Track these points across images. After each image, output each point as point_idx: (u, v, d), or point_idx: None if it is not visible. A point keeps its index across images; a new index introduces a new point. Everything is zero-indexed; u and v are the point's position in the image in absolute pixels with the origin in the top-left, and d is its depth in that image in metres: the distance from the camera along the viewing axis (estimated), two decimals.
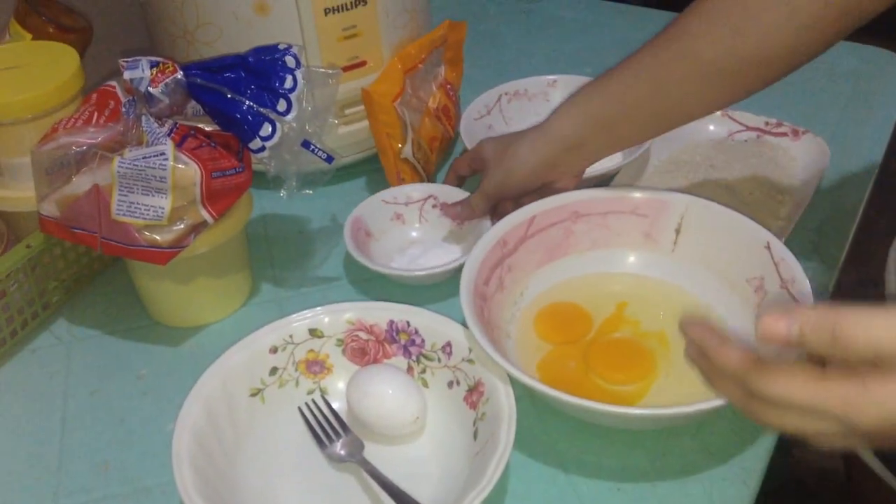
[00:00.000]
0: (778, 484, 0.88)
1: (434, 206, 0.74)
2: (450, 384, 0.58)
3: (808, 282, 0.57)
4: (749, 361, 0.38)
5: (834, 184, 0.75)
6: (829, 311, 0.34)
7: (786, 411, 0.36)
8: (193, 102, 0.62)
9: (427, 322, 0.59)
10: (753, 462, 0.55)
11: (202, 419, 0.53)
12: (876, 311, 0.33)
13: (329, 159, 0.63)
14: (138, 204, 0.59)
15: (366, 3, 0.72)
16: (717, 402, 0.50)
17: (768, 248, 0.60)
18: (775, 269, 0.59)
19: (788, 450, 1.26)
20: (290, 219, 0.77)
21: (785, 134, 0.77)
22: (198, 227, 0.61)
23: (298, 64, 0.62)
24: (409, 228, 0.74)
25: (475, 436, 0.54)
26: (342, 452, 0.55)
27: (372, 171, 0.80)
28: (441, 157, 0.82)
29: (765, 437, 0.56)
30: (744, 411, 0.39)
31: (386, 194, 0.74)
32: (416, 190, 0.74)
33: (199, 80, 0.61)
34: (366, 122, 0.76)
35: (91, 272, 0.71)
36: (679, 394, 0.56)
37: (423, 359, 0.59)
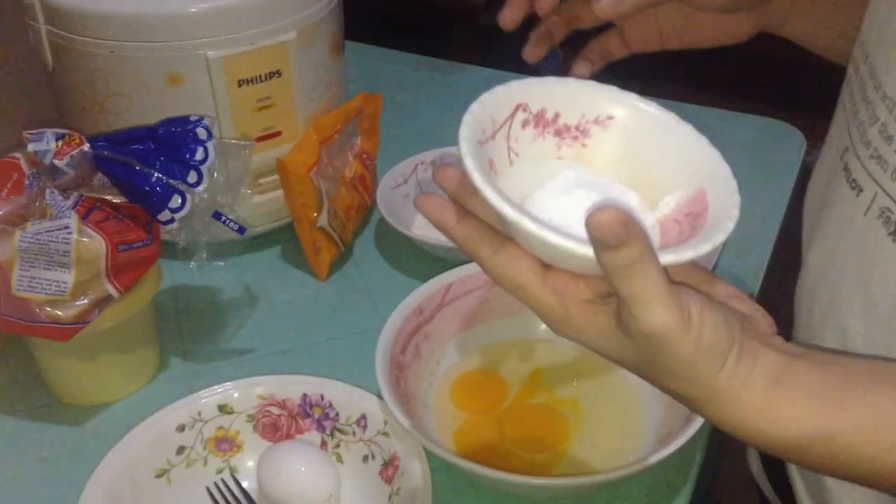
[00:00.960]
0: None
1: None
2: (365, 458, 0.57)
3: None
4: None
5: (733, 256, 0.78)
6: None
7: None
8: (101, 174, 0.61)
9: (341, 394, 0.58)
10: None
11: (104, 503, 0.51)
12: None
13: (241, 230, 0.63)
14: (40, 279, 0.57)
15: (280, 75, 0.73)
16: (631, 469, 0.51)
17: None
18: None
19: None
20: (202, 290, 0.76)
21: None
22: (102, 302, 0.59)
23: (210, 135, 0.62)
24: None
25: None
26: None
27: (287, 241, 0.80)
28: (357, 223, 0.83)
29: (678, 501, 0.57)
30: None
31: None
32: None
33: (106, 153, 0.60)
34: (280, 192, 0.75)
35: None
36: (593, 461, 0.57)
37: (337, 433, 0.58)
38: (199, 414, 0.57)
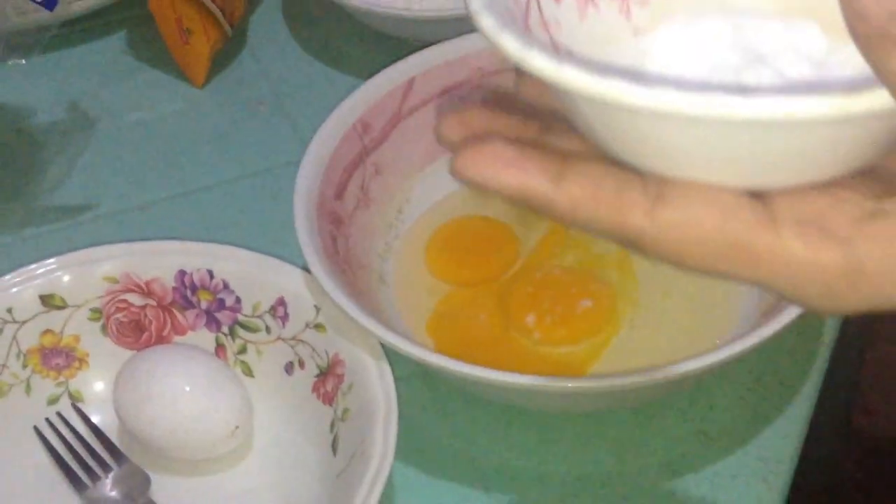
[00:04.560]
0: (826, 477, 0.93)
1: None
2: (288, 367, 0.58)
3: None
4: None
5: None
6: None
7: None
8: None
9: (243, 268, 0.59)
10: (781, 447, 0.57)
11: None
12: None
13: (49, 4, 0.61)
14: None
15: None
16: (715, 359, 0.52)
17: None
18: None
19: (845, 422, 1.33)
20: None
21: None
22: None
23: None
24: None
25: (334, 447, 0.55)
26: (114, 494, 0.55)
27: (132, 21, 0.80)
28: None
29: (797, 407, 0.59)
30: None
31: None
32: None
33: None
34: None
35: None
36: (653, 351, 0.58)
37: (240, 330, 0.59)
38: (11, 311, 0.58)
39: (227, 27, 0.77)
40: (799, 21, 0.36)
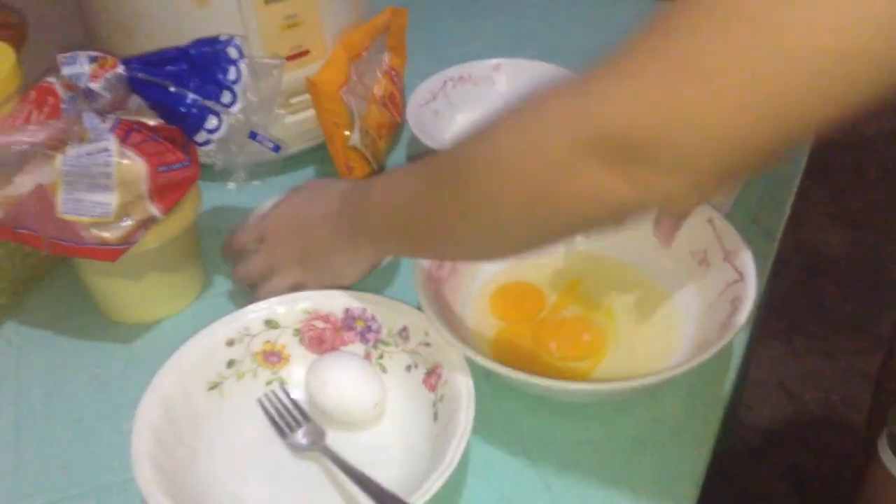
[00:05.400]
0: (725, 447, 0.91)
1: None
2: (408, 368, 0.58)
3: (749, 251, 0.59)
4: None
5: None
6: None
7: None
8: (136, 97, 0.61)
9: (383, 308, 0.59)
10: (704, 429, 0.56)
11: (160, 416, 0.53)
12: None
13: (276, 149, 0.62)
14: (84, 201, 0.58)
15: None
16: (667, 375, 0.51)
17: (711, 222, 0.61)
18: (718, 242, 0.61)
19: (735, 414, 1.32)
20: (241, 210, 0.74)
21: None
22: (147, 223, 0.60)
23: (241, 55, 0.62)
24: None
25: (435, 417, 0.55)
26: (304, 441, 0.55)
27: (320, 160, 0.80)
28: (389, 143, 0.82)
29: (715, 405, 0.58)
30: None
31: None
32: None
33: (140, 75, 0.60)
34: (312, 112, 0.75)
35: (39, 272, 0.70)
36: (628, 367, 0.58)
37: (380, 344, 0.59)
38: (247, 329, 0.58)
39: (374, 165, 0.78)
40: None
